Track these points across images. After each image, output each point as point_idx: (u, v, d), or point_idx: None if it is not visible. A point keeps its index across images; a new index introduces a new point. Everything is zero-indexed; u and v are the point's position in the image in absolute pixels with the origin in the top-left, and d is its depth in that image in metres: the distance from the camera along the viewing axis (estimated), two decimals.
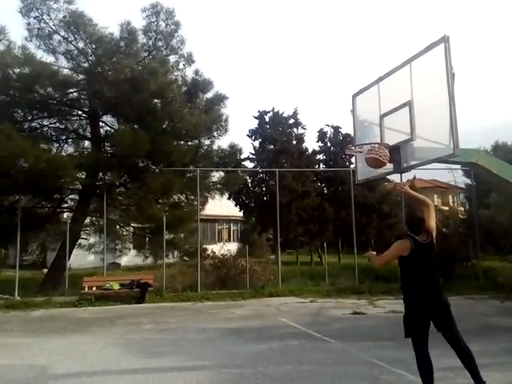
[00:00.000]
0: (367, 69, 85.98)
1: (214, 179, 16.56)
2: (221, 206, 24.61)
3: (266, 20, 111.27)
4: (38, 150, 12.14)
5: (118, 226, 15.55)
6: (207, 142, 15.94)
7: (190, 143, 15.52)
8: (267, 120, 26.95)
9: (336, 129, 27.70)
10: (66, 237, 13.42)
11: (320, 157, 28.31)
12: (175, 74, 15.48)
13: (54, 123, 15.30)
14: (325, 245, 17.58)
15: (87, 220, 15.53)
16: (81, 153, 14.85)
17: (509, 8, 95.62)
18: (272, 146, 26.02)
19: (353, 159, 8.31)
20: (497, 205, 15.40)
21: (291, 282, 14.85)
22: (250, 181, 25.94)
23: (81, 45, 14.11)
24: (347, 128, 26.87)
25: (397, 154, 7.50)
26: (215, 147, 16.18)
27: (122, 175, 14.92)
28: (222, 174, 16.58)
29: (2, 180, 12.18)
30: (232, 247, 19.23)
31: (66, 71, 14.35)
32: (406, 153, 7.38)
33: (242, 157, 20.69)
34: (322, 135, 27.91)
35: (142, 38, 14.79)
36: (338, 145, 26.73)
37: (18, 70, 13.22)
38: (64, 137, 15.62)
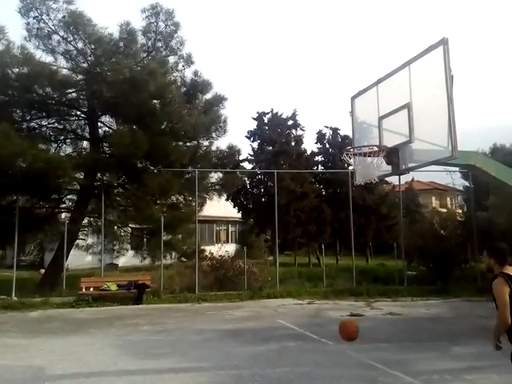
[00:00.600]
0: (366, 71, 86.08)
1: (213, 180, 16.54)
2: (219, 207, 24.57)
3: (265, 21, 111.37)
4: (36, 150, 12.11)
5: (115, 227, 15.51)
6: (206, 142, 15.94)
7: (188, 144, 15.50)
8: (266, 121, 26.95)
9: (335, 130, 27.73)
10: (64, 237, 13.39)
11: (318, 158, 28.34)
12: (174, 74, 15.49)
13: (53, 123, 15.27)
14: (323, 246, 17.58)
15: (85, 220, 15.47)
16: (79, 153, 14.83)
17: (507, 10, 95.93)
18: (271, 148, 26.03)
19: (351, 161, 8.29)
20: (495, 207, 15.44)
21: (289, 283, 14.84)
22: (248, 182, 25.93)
23: (80, 45, 14.08)
24: (346, 130, 26.90)
25: (395, 156, 7.51)
26: (214, 148, 16.18)
27: (121, 176, 14.91)
28: (221, 174, 16.56)
29: None
30: (230, 248, 19.23)
31: (64, 71, 14.33)
32: (405, 155, 7.40)
33: (241, 158, 20.79)
34: (320, 137, 27.93)
35: (141, 39, 14.76)
36: (336, 146, 26.74)
37: (17, 69, 13.19)
38: (62, 137, 15.57)
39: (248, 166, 26.11)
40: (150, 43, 14.90)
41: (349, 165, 16.26)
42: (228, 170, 16.47)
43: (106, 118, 15.36)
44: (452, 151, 6.41)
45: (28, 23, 13.81)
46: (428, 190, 38.37)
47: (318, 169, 27.92)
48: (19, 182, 12.34)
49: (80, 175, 13.97)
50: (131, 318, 10.04)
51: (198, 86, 15.63)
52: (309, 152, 27.45)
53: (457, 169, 15.66)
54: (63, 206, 16.23)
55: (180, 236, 15.64)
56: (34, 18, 13.73)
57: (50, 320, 9.96)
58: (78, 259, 17.26)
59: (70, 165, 12.44)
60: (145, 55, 14.90)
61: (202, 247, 16.24)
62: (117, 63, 13.50)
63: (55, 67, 13.96)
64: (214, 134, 15.60)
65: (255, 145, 26.83)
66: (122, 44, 14.29)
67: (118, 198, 15.69)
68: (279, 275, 14.42)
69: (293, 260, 25.84)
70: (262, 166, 25.62)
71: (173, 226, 14.59)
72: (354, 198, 16.74)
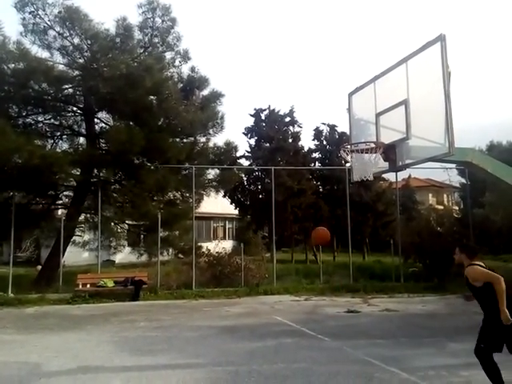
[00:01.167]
0: (363, 67, 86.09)
1: (210, 177, 16.55)
2: (216, 203, 24.51)
3: (262, 17, 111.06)
4: (32, 146, 12.07)
5: (112, 223, 15.48)
6: (203, 139, 15.92)
7: (185, 140, 15.47)
8: (263, 118, 26.88)
9: (332, 127, 27.71)
10: (61, 234, 13.36)
11: (316, 155, 28.31)
12: (171, 70, 15.47)
13: (49, 119, 15.21)
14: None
15: (82, 217, 15.43)
16: (75, 149, 14.78)
17: (504, 8, 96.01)
18: (268, 144, 25.97)
19: (348, 158, 8.30)
20: (491, 204, 15.50)
21: (286, 280, 14.87)
22: (245, 179, 25.89)
23: (76, 40, 14.01)
24: (343, 126, 26.89)
25: (392, 153, 7.52)
26: (211, 144, 16.17)
27: (117, 172, 14.86)
28: (218, 171, 16.55)
29: None
30: (227, 245, 19.19)
31: (61, 67, 14.26)
32: (402, 151, 7.40)
33: (238, 154, 20.69)
34: (317, 133, 27.90)
35: (137, 35, 14.72)
36: (333, 143, 26.72)
37: (13, 65, 13.13)
38: (59, 133, 15.52)
39: (245, 162, 26.08)
40: (146, 39, 14.86)
41: (346, 162, 16.31)
42: (225, 166, 16.44)
43: (102, 114, 15.34)
44: (449, 148, 6.41)
45: (24, 18, 13.78)
46: (425, 186, 38.43)
47: (315, 165, 27.90)
48: (15, 178, 12.31)
49: (76, 171, 13.94)
50: (128, 315, 10.03)
51: (195, 82, 15.61)
52: (306, 149, 27.41)
53: (453, 166, 15.67)
54: (59, 202, 16.20)
55: (177, 232, 15.65)
56: (29, 13, 13.68)
57: (46, 316, 9.94)
58: (74, 256, 17.21)
59: (66, 161, 12.42)
60: (141, 51, 14.85)
61: (199, 244, 16.23)
62: (113, 59, 13.45)
63: (51, 63, 13.90)
64: (211, 131, 15.60)
65: (252, 141, 26.78)
66: (118, 40, 14.24)
67: (115, 195, 15.67)
68: (276, 272, 14.43)
69: (290, 257, 25.85)
70: (259, 162, 25.58)
71: (170, 222, 14.59)
72: (351, 194, 16.74)
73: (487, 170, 7.96)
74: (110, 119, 15.35)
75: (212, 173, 16.55)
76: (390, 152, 7.55)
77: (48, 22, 13.77)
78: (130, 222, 15.84)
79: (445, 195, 39.36)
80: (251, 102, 74.71)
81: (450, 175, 21.40)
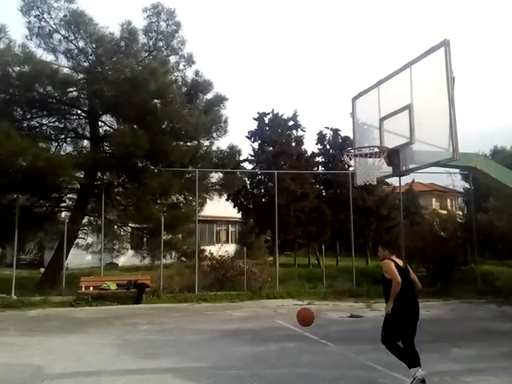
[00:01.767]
0: (367, 72, 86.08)
1: (213, 180, 16.55)
2: (219, 207, 24.58)
3: (266, 22, 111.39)
4: (36, 149, 12.12)
5: (115, 226, 15.51)
6: (206, 142, 15.93)
7: (189, 144, 15.50)
8: (267, 122, 26.93)
9: (335, 131, 27.70)
10: (64, 236, 13.39)
11: (319, 159, 28.29)
12: (175, 74, 15.48)
13: (54, 122, 15.29)
14: (323, 247, 17.57)
15: (85, 220, 15.49)
16: (80, 152, 14.83)
17: (508, 13, 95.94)
18: (271, 148, 26.01)
19: (351, 162, 8.29)
20: (495, 209, 15.44)
21: (289, 284, 14.83)
22: (248, 182, 25.91)
23: (81, 44, 14.09)
24: (346, 131, 26.88)
25: (396, 158, 7.50)
26: (214, 148, 16.18)
27: (121, 175, 14.90)
28: (221, 175, 16.56)
29: (0, 178, 12.14)
30: (230, 248, 19.20)
31: (65, 70, 14.33)
32: (406, 156, 7.38)
33: (241, 158, 20.71)
34: (321, 137, 27.90)
35: (142, 38, 14.77)
36: (337, 147, 26.70)
37: (18, 68, 13.19)
38: (63, 136, 15.59)
39: (248, 166, 26.11)
40: (151, 43, 14.92)
41: (349, 166, 16.30)
42: (228, 170, 16.46)
43: (106, 118, 15.38)
44: (453, 153, 6.39)
45: (29, 22, 13.84)
46: (428, 191, 38.30)
47: (318, 169, 27.88)
48: (19, 180, 12.33)
49: (80, 174, 13.99)
50: (130, 318, 10.03)
51: (199, 86, 15.64)
52: (309, 153, 27.42)
53: (457, 170, 15.61)
54: (63, 204, 16.23)
55: (180, 236, 15.65)
56: (35, 16, 13.74)
57: (49, 319, 9.95)
58: (77, 258, 17.26)
59: (70, 164, 12.45)
60: (146, 55, 14.90)
61: (202, 247, 16.22)
62: (118, 62, 13.50)
63: (56, 66, 13.99)
64: (214, 134, 15.61)
65: (256, 145, 26.83)
66: (123, 43, 14.29)
67: (118, 198, 15.70)
68: (279, 276, 14.42)
69: (292, 260, 25.82)
70: (262, 166, 25.60)
71: (173, 225, 14.59)
72: (354, 199, 16.74)
73: (491, 175, 7.92)
74: (114, 122, 15.40)
75: (215, 176, 16.58)
76: (393, 157, 7.53)
77: (53, 26, 13.86)
78: (134, 225, 15.86)
79: (448, 200, 39.23)
80: (255, 106, 74.99)
81: (454, 180, 21.42)
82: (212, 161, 15.88)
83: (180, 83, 15.47)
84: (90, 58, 14.20)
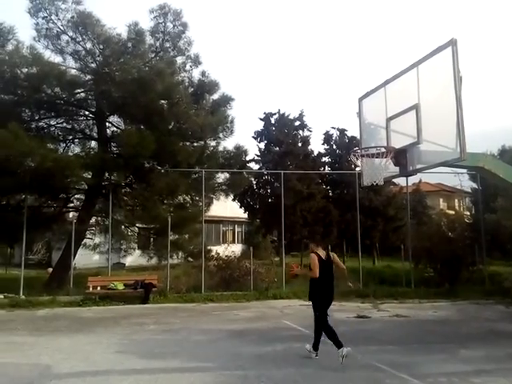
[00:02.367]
0: (374, 72, 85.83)
1: (219, 180, 16.57)
2: (225, 207, 24.60)
3: (272, 22, 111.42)
4: (44, 150, 12.20)
5: (123, 226, 15.58)
6: (213, 143, 15.96)
7: (195, 144, 15.53)
8: (273, 122, 26.91)
9: (342, 131, 27.61)
10: (72, 236, 13.47)
11: (325, 159, 28.20)
12: (182, 75, 15.54)
13: (61, 123, 15.39)
14: (329, 247, 17.48)
15: (93, 220, 15.58)
16: (87, 153, 14.89)
17: (509, 12, 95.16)
18: (277, 148, 25.98)
19: (358, 162, 8.29)
20: (503, 209, 15.30)
21: (295, 284, 14.76)
22: (255, 182, 25.90)
23: (88, 45, 14.18)
24: (353, 131, 26.80)
25: (403, 158, 7.49)
26: (221, 148, 16.21)
27: (128, 175, 14.97)
28: (227, 175, 16.58)
29: (8, 179, 12.23)
30: (236, 249, 19.22)
31: (73, 71, 14.44)
32: (413, 156, 7.37)
33: (248, 158, 20.75)
34: (327, 138, 27.83)
35: (149, 39, 14.84)
36: (343, 147, 26.62)
37: (26, 69, 13.28)
38: (71, 137, 15.68)
39: (255, 166, 26.10)
40: (158, 43, 14.97)
41: (356, 166, 16.27)
42: (235, 170, 16.47)
43: (113, 118, 15.46)
44: (460, 153, 6.37)
45: (37, 23, 13.97)
46: (436, 191, 38.12)
47: (324, 170, 27.82)
48: (28, 181, 12.43)
49: (88, 175, 14.05)
50: (138, 318, 10.07)
51: (206, 87, 15.67)
52: (316, 153, 27.35)
53: (465, 170, 15.52)
54: (71, 205, 16.33)
55: (187, 236, 15.69)
56: (43, 18, 13.86)
57: (57, 318, 10.02)
58: (85, 258, 17.35)
59: (78, 164, 12.52)
60: (153, 55, 14.96)
61: (209, 247, 16.25)
62: (125, 63, 13.56)
63: (64, 67, 14.08)
64: (220, 135, 15.63)
65: (262, 145, 26.80)
66: (130, 44, 14.35)
67: (126, 198, 15.77)
68: (285, 276, 14.39)
69: (299, 261, 25.77)
70: (268, 166, 25.59)
71: (179, 225, 14.63)
72: (360, 199, 16.68)
73: (499, 175, 7.88)
74: (121, 123, 15.47)
75: (222, 176, 16.60)
76: (400, 157, 7.52)
77: (61, 27, 13.96)
78: (141, 225, 15.92)
79: (456, 200, 39.03)
80: (261, 106, 75.01)
81: (462, 180, 21.27)
82: (218, 161, 15.90)
83: (187, 84, 15.52)
84: (98, 59, 14.29)
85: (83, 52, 14.28)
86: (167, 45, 15.12)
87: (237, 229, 33.33)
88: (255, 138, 26.97)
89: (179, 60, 15.54)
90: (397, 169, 7.81)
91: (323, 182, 27.18)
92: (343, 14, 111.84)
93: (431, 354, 6.80)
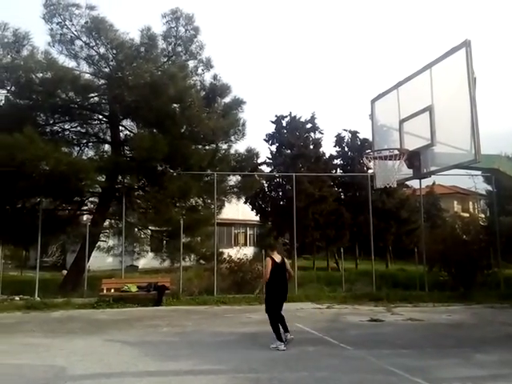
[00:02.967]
0: (386, 73, 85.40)
1: (231, 183, 16.59)
2: (237, 210, 24.63)
3: (283, 25, 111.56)
4: (59, 153, 12.35)
5: (136, 229, 15.68)
6: (224, 146, 16.01)
7: (207, 147, 15.59)
8: (284, 124, 26.95)
9: (354, 133, 27.56)
10: (86, 239, 13.59)
11: (337, 161, 28.18)
12: (194, 78, 15.62)
13: (75, 127, 15.57)
14: (342, 250, 17.44)
15: (106, 223, 15.70)
16: (101, 156, 15.05)
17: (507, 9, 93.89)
18: (289, 151, 26.00)
19: (371, 164, 8.25)
20: None
21: (307, 287, 14.74)
22: (266, 185, 25.94)
23: (102, 50, 14.34)
24: (365, 133, 26.73)
25: (416, 160, 7.44)
26: (232, 151, 16.25)
27: (141, 178, 15.08)
28: (239, 178, 16.60)
29: (24, 182, 12.41)
30: (248, 251, 19.22)
31: (87, 76, 14.60)
32: (426, 158, 7.32)
33: (259, 161, 20.75)
34: (339, 140, 27.79)
35: (161, 44, 14.96)
36: (355, 150, 26.56)
37: (41, 74, 13.47)
38: (85, 140, 15.85)
39: (266, 169, 26.16)
40: (170, 48, 15.09)
41: (368, 168, 16.22)
42: (246, 173, 16.50)
43: (127, 122, 15.61)
44: (475, 155, 6.31)
45: (52, 29, 14.16)
46: (450, 194, 37.74)
47: (336, 172, 27.77)
48: (43, 184, 12.58)
49: (102, 178, 14.17)
50: (151, 320, 10.13)
51: (217, 90, 15.73)
52: (327, 155, 27.34)
53: (479, 172, 15.35)
54: (85, 208, 16.49)
55: (199, 238, 15.72)
56: (57, 23, 14.04)
57: (71, 320, 10.12)
58: (99, 261, 17.48)
59: (92, 168, 12.65)
60: (165, 60, 15.07)
61: (221, 250, 16.26)
62: (138, 68, 13.67)
63: (78, 72, 14.25)
64: (232, 138, 15.68)
65: (273, 148, 26.86)
66: (142, 49, 14.49)
67: (139, 201, 15.88)
68: (297, 279, 14.33)
69: (311, 264, 25.72)
70: (280, 169, 25.61)
71: (192, 228, 14.68)
72: (373, 201, 16.57)
73: None
74: (134, 127, 15.61)
75: (233, 179, 16.62)
76: (414, 159, 7.47)
77: (75, 33, 14.14)
78: (153, 228, 16.01)
79: (470, 202, 38.56)
80: (272, 109, 74.94)
81: (476, 182, 20.99)
82: (230, 164, 15.94)
83: (198, 87, 15.60)
84: (111, 63, 14.43)
85: (97, 57, 14.45)
86: (179, 49, 15.23)
87: (248, 231, 33.34)
88: (267, 141, 27.04)
89: (191, 64, 15.65)
90: (410, 171, 7.76)
91: (335, 185, 27.12)
92: (355, 16, 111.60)
93: (446, 358, 6.72)
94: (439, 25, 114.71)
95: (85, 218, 17.31)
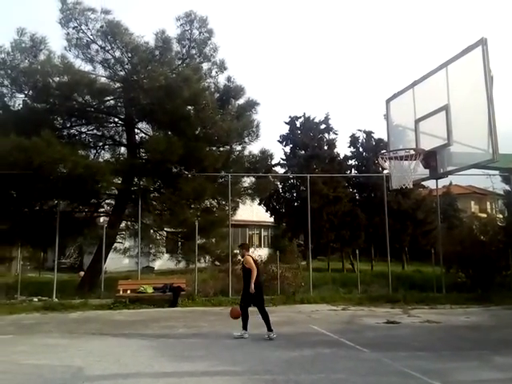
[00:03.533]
0: (401, 73, 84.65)
1: (245, 184, 16.62)
2: (252, 211, 24.67)
3: (297, 26, 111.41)
4: (76, 156, 12.54)
5: (152, 231, 15.82)
6: (239, 147, 16.07)
7: (221, 149, 15.66)
8: (298, 125, 26.90)
9: (368, 134, 27.35)
10: (103, 241, 13.76)
11: (352, 162, 28.01)
12: (208, 81, 15.72)
13: (92, 130, 15.79)
14: (357, 252, 17.32)
15: (123, 224, 15.87)
16: (117, 159, 15.24)
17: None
18: (303, 152, 25.94)
19: (386, 165, 8.18)
20: None
21: (323, 288, 14.67)
22: (280, 186, 25.92)
23: (117, 54, 14.52)
24: (380, 133, 26.59)
25: (433, 160, 7.36)
26: (246, 153, 16.29)
27: (156, 180, 15.21)
28: (253, 179, 16.62)
29: (41, 185, 12.62)
30: (263, 253, 19.24)
31: (103, 79, 14.82)
32: (443, 158, 7.23)
33: (273, 162, 20.75)
34: (353, 140, 27.61)
35: (176, 46, 15.11)
36: (370, 150, 26.36)
37: (58, 78, 13.68)
38: (101, 143, 16.07)
39: (280, 170, 26.13)
40: (184, 50, 15.21)
41: (383, 169, 16.11)
42: (260, 174, 16.52)
43: (142, 125, 15.79)
44: (492, 154, 6.22)
45: (68, 33, 14.40)
46: (467, 194, 37.24)
47: (351, 173, 27.60)
48: (60, 187, 12.79)
49: (118, 180, 14.34)
50: (167, 321, 10.20)
51: (231, 92, 15.79)
52: (342, 156, 27.20)
53: (497, 172, 15.10)
54: (102, 210, 16.70)
55: (214, 240, 15.80)
56: (73, 28, 14.28)
57: (88, 321, 10.23)
58: (115, 262, 17.68)
59: (108, 170, 12.80)
60: (179, 62, 15.20)
61: (235, 251, 16.32)
62: (153, 71, 13.81)
63: (94, 76, 14.45)
64: (246, 139, 15.73)
65: (287, 149, 26.83)
66: (157, 52, 14.64)
67: (154, 203, 16.01)
68: (312, 280, 14.30)
69: (326, 265, 25.58)
70: (294, 170, 25.56)
71: (206, 229, 14.76)
72: (389, 202, 16.43)
73: None
74: (149, 129, 15.77)
75: (247, 181, 16.65)
76: (430, 159, 7.38)
77: (91, 37, 14.35)
78: (169, 230, 16.14)
79: (488, 203, 37.97)
80: (286, 110, 74.91)
81: (494, 182, 20.64)
82: (244, 165, 15.98)
83: (212, 89, 15.69)
84: (126, 67, 14.60)
85: (112, 60, 14.64)
86: (193, 51, 15.35)
87: (263, 233, 33.35)
88: (281, 142, 27.02)
89: (205, 66, 15.77)
90: (426, 171, 7.68)
91: (350, 186, 26.97)
92: (369, 15, 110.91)
93: (464, 360, 6.62)
94: (455, 23, 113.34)
95: (101, 219, 17.52)
